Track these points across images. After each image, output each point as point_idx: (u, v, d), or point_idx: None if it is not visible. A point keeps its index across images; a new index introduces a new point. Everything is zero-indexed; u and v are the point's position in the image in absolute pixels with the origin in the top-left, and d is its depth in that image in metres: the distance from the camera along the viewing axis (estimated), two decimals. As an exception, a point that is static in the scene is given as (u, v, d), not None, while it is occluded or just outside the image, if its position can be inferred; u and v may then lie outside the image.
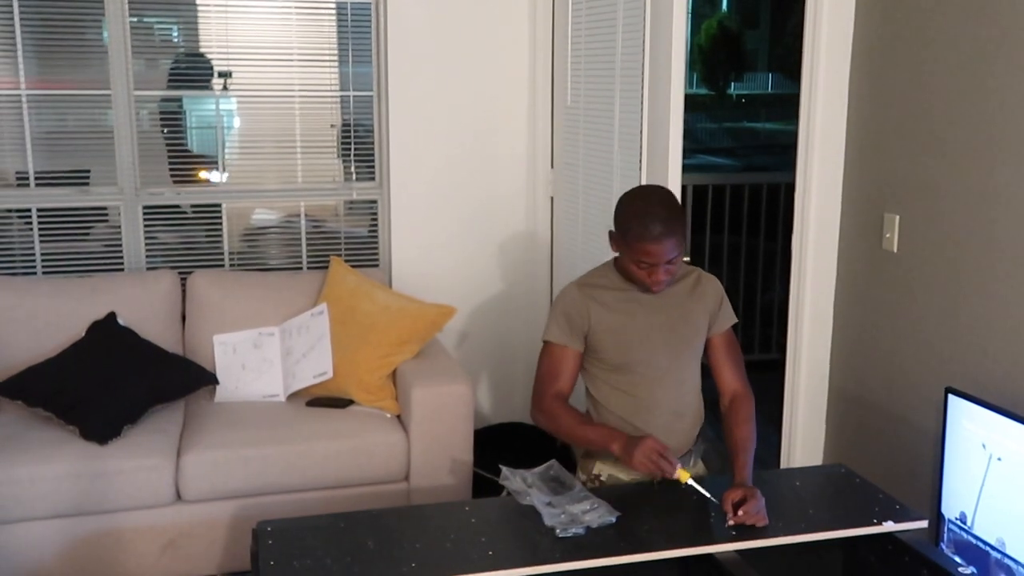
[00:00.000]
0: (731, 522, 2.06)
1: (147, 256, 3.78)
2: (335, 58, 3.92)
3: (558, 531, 1.98)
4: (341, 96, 3.95)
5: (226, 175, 3.89)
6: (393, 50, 3.82)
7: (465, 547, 1.95)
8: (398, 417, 3.24)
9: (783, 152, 9.50)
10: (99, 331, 3.29)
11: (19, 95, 3.58)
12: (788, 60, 12.23)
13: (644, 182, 3.21)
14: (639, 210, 2.22)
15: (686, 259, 3.12)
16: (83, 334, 3.28)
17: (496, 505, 2.25)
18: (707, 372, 2.43)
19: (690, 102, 3.12)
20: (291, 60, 3.85)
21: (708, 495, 2.11)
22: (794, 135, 3.21)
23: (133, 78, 3.65)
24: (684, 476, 2.13)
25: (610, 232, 2.32)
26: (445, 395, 3.14)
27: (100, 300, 3.36)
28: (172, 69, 3.86)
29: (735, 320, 2.44)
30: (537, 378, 2.41)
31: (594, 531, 2.00)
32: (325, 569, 1.85)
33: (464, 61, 3.93)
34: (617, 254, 2.34)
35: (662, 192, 2.31)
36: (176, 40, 3.89)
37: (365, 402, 3.27)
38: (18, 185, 3.65)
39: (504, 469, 2.21)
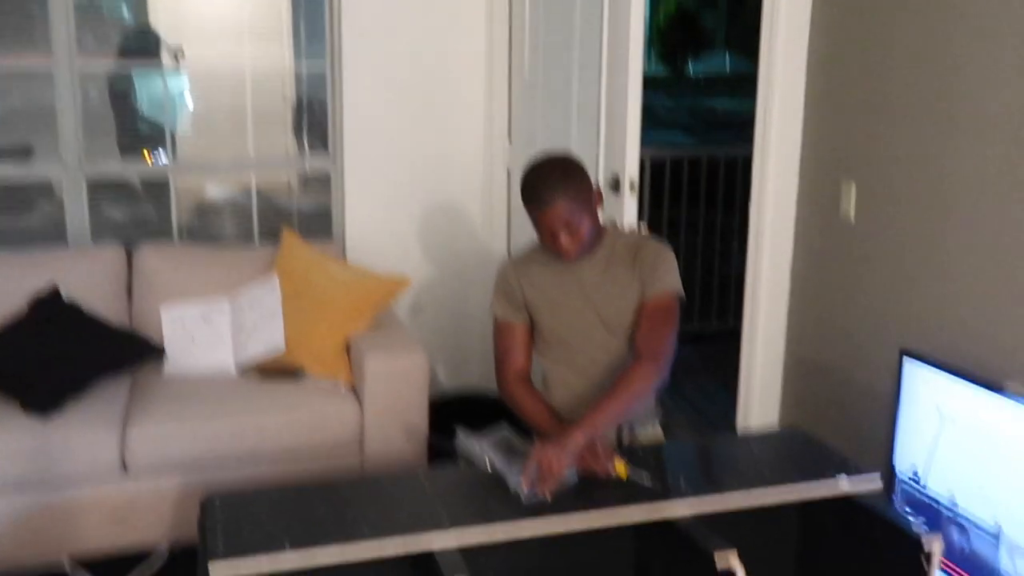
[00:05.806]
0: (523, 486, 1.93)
1: (94, 232, 3.68)
2: (288, 30, 3.84)
3: (523, 496, 1.94)
4: (294, 69, 3.87)
5: (175, 151, 3.79)
6: (347, 21, 3.73)
7: (419, 515, 1.92)
8: (352, 388, 3.20)
9: (740, 129, 9.51)
10: (42, 306, 3.19)
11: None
12: (746, 39, 12.27)
13: (602, 158, 3.16)
14: (529, 177, 2.19)
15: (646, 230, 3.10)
16: (25, 310, 3.18)
17: (450, 472, 2.21)
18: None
19: (647, 82, 3.09)
20: (242, 33, 3.76)
21: (648, 484, 2.02)
22: (751, 113, 3.16)
23: (76, 51, 3.53)
24: (621, 469, 2.03)
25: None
26: (399, 365, 3.10)
27: (42, 275, 3.26)
28: (121, 43, 3.75)
29: (674, 289, 2.26)
30: (495, 356, 2.39)
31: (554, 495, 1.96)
32: (274, 540, 1.80)
33: (419, 33, 3.86)
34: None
35: (556, 158, 2.23)
36: (124, 14, 3.77)
37: (318, 374, 3.22)
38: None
39: (459, 434, 2.16)
